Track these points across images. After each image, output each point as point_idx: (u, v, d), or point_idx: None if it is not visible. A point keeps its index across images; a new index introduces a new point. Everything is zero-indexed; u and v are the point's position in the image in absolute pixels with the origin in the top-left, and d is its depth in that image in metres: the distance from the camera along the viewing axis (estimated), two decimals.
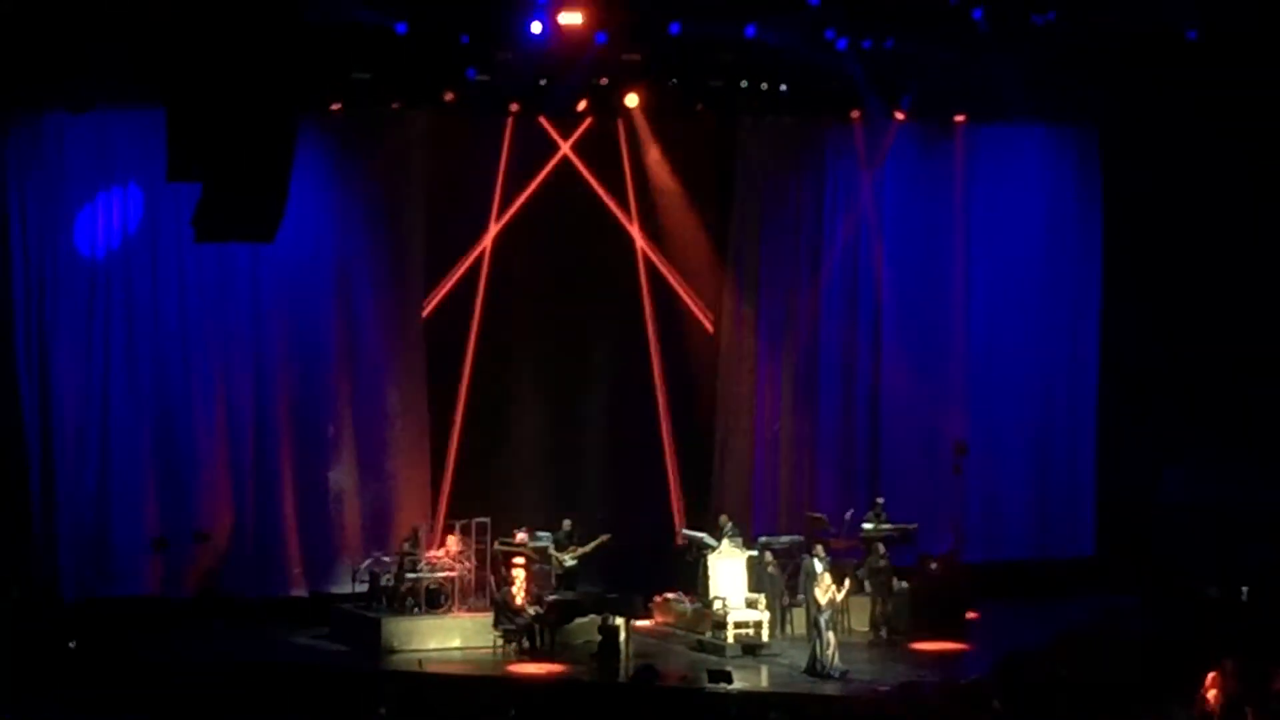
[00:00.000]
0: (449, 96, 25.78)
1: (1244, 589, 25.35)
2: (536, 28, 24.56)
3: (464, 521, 25.58)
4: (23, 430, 25.17)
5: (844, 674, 23.34)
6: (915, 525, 26.64)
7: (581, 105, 26.71)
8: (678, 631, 25.67)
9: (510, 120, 27.00)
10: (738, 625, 24.66)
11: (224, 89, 16.54)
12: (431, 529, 26.19)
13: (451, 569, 25.10)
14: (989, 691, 20.85)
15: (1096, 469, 29.18)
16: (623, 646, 24.21)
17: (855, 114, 27.69)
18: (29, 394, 25.24)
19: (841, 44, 26.00)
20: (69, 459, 25.37)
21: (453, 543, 25.42)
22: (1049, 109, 27.99)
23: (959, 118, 28.24)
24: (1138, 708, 19.07)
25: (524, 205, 27.40)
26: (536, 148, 27.40)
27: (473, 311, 27.34)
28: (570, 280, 27.68)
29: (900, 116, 27.70)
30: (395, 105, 26.10)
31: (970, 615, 26.20)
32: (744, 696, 22.24)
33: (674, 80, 26.55)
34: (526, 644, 24.46)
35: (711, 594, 25.16)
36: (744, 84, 26.78)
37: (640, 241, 27.93)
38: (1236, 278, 27.86)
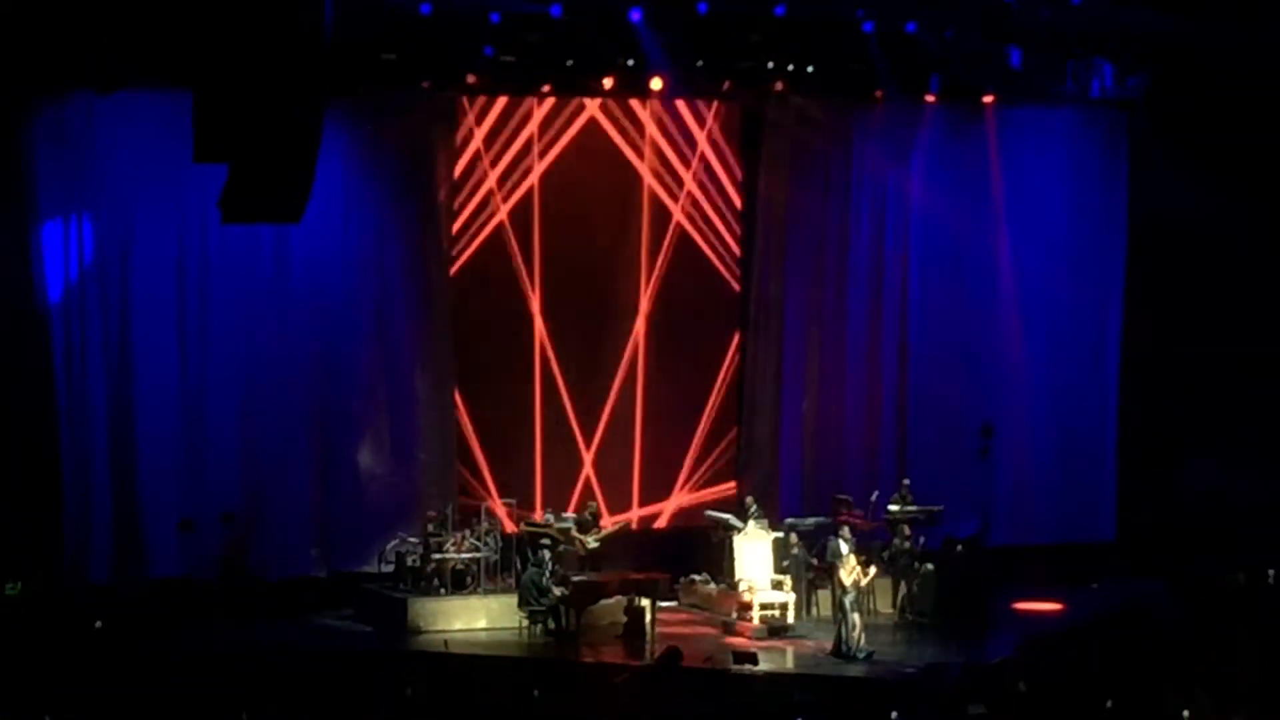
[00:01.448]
0: (471, 79, 25.84)
1: (1271, 573, 25.28)
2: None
3: (488, 503, 25.57)
4: (55, 412, 25.22)
5: (869, 655, 23.34)
6: (941, 507, 26.62)
7: (609, 84, 26.65)
8: (703, 613, 25.68)
9: (540, 100, 27.00)
10: (763, 607, 24.66)
11: (251, 70, 16.54)
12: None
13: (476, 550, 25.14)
14: (1014, 674, 20.85)
15: (1120, 455, 29.12)
16: (648, 628, 24.26)
17: (882, 95, 27.66)
18: (61, 375, 25.29)
19: (868, 26, 25.96)
20: (96, 441, 25.42)
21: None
22: (1078, 91, 27.91)
23: (987, 99, 28.16)
24: (1162, 691, 19.04)
25: (552, 184, 27.40)
26: (565, 128, 27.39)
27: (499, 291, 27.36)
28: (597, 260, 27.68)
29: (930, 99, 27.67)
30: (424, 85, 26.09)
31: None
32: (769, 678, 22.25)
33: (700, 62, 26.51)
34: (552, 625, 24.48)
35: (737, 575, 25.16)
36: (771, 65, 26.77)
37: (666, 221, 27.90)
38: (1263, 266, 27.78)
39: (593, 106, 27.35)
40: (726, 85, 27.11)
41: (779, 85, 27.15)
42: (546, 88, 26.64)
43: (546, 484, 27.05)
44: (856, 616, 23.53)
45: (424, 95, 26.36)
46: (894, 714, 18.72)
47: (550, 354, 27.52)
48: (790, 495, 27.84)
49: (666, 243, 27.91)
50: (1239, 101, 26.65)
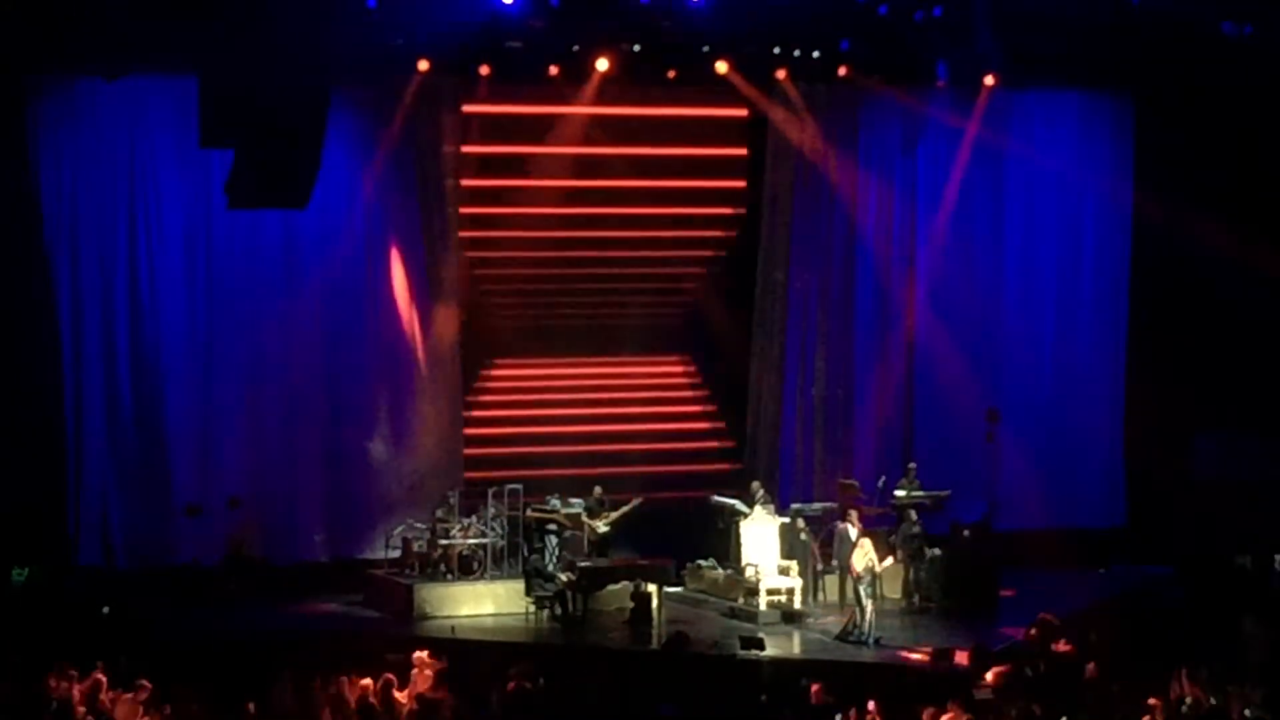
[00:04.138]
0: (478, 65, 25.84)
1: (1277, 558, 25.27)
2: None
3: (496, 488, 25.57)
4: (61, 399, 25.21)
5: (877, 641, 23.33)
6: (948, 492, 26.60)
7: (616, 70, 26.53)
8: (710, 598, 25.67)
9: (546, 86, 26.94)
10: (770, 592, 24.65)
11: (257, 57, 16.56)
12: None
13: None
14: (1022, 659, 20.84)
15: (1128, 439, 29.10)
16: (655, 613, 24.25)
17: (891, 80, 27.63)
18: (68, 361, 25.30)
19: (883, 9, 25.90)
20: (102, 427, 25.45)
21: None
22: (1084, 76, 27.88)
23: (993, 82, 28.04)
24: (1170, 676, 19.03)
25: (558, 170, 27.36)
26: (570, 113, 27.38)
27: (507, 274, 27.36)
28: (605, 246, 27.65)
29: (940, 84, 27.62)
30: (430, 69, 26.02)
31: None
32: (776, 663, 22.23)
33: (706, 47, 26.45)
34: (559, 610, 24.46)
35: (744, 561, 25.14)
36: (777, 50, 26.72)
37: (674, 206, 27.86)
38: (1268, 250, 27.76)
39: (599, 91, 27.28)
40: (730, 70, 27.00)
41: (783, 72, 27.10)
42: (553, 71, 26.56)
43: (554, 469, 27.00)
44: (869, 602, 23.52)
45: (430, 80, 26.31)
46: (870, 704, 18.69)
47: (554, 338, 27.52)
48: (797, 480, 27.83)
49: (675, 228, 27.90)
50: (1243, 85, 26.63)
